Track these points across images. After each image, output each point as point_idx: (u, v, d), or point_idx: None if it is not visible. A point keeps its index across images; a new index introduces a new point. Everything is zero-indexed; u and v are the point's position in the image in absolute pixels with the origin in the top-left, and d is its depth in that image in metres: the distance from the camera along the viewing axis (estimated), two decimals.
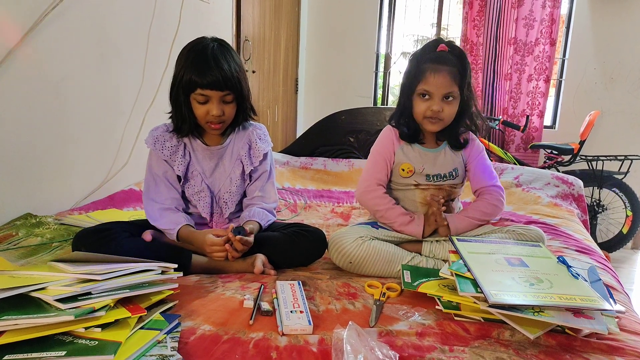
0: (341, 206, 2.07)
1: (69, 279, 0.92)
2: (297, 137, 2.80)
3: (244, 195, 1.45)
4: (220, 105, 1.28)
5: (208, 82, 1.24)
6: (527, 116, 3.41)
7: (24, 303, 0.85)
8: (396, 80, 4.28)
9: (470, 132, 1.46)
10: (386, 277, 1.29)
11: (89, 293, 0.88)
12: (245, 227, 1.27)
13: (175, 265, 1.05)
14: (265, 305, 1.04)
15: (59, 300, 0.83)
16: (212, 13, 2.57)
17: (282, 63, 3.72)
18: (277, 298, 1.07)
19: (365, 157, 2.61)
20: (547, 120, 3.79)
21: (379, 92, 4.25)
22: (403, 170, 1.42)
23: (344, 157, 2.65)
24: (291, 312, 1.01)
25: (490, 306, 0.95)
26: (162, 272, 1.06)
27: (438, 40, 1.38)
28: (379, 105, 4.25)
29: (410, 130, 1.42)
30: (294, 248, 1.32)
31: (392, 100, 4.46)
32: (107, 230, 1.25)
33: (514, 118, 3.67)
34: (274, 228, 1.41)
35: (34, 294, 0.86)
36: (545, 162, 3.41)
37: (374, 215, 1.45)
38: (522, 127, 3.26)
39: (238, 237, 1.22)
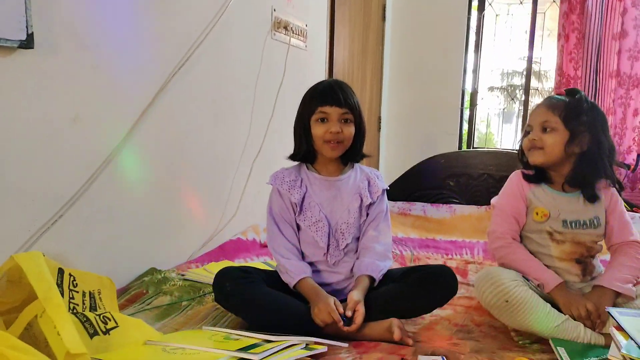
0: (452, 259, 1.96)
1: (225, 357, 0.89)
2: (393, 181, 2.73)
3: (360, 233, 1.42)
4: (339, 124, 1.31)
5: (328, 101, 1.31)
6: (638, 154, 3.15)
7: None
8: (482, 115, 4.14)
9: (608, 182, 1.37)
10: (535, 332, 1.19)
11: None
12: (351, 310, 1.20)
13: (325, 349, 1.01)
14: None
15: None
16: (309, 59, 2.60)
17: (367, 102, 3.71)
18: None
19: (467, 203, 2.53)
20: None
21: (465, 127, 4.12)
22: (537, 214, 1.35)
23: (443, 202, 2.55)
24: None
25: None
26: (307, 345, 1.02)
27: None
28: (464, 141, 4.12)
29: (532, 168, 1.39)
30: (427, 296, 1.29)
31: (478, 136, 4.31)
32: (248, 272, 1.29)
33: (619, 155, 3.40)
34: (394, 276, 1.35)
35: None
36: None
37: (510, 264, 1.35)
38: (632, 167, 3.01)
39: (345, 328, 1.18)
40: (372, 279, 1.31)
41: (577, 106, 1.31)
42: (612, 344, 1.04)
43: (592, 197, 1.34)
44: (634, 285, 1.30)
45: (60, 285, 1.05)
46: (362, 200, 1.39)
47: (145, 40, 1.53)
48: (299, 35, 2.47)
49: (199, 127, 1.81)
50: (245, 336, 1.03)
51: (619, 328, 1.08)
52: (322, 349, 1.03)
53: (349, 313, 1.19)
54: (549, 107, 1.33)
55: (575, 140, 1.30)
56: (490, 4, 4.01)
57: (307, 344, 1.03)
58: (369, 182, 1.42)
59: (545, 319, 1.18)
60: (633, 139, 3.39)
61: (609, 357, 1.00)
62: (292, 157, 1.41)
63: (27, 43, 1.15)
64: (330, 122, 1.31)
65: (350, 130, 1.33)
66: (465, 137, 4.16)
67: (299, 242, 1.39)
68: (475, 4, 3.88)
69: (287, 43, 2.30)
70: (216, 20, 1.79)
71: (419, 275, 1.31)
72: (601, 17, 3.38)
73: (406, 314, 1.30)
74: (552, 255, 1.35)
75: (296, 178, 1.38)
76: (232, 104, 1.99)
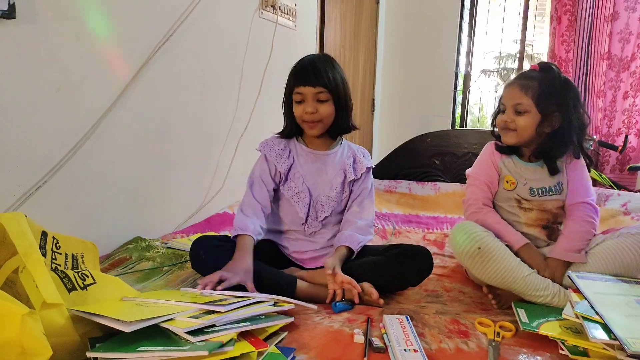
0: (432, 233, 2.01)
1: (193, 309, 0.95)
2: (381, 160, 2.77)
3: (343, 208, 1.46)
4: (314, 103, 1.33)
5: (301, 81, 1.33)
6: (626, 136, 3.18)
7: (153, 333, 0.88)
8: (475, 99, 4.16)
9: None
10: (505, 284, 1.24)
11: (213, 325, 0.90)
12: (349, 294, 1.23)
13: (292, 306, 1.06)
14: (377, 341, 1.02)
15: (188, 333, 0.86)
16: (298, 39, 2.62)
17: (360, 84, 3.73)
18: (386, 334, 1.05)
19: (451, 181, 2.57)
20: None
21: (458, 110, 4.15)
22: (507, 182, 1.42)
23: (428, 181, 2.59)
24: (405, 350, 0.98)
25: (629, 356, 0.87)
26: (275, 302, 1.07)
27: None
28: (457, 124, 4.15)
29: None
30: (403, 271, 1.31)
31: (471, 119, 4.34)
32: (223, 240, 1.32)
33: (608, 137, 3.44)
34: (374, 252, 1.39)
35: (162, 325, 0.89)
36: None
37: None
38: (620, 148, 3.04)
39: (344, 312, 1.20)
40: (350, 251, 1.36)
41: (550, 86, 1.34)
42: (567, 304, 1.09)
43: (553, 170, 1.40)
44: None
45: (43, 247, 1.09)
46: (345, 176, 1.43)
47: (128, 14, 1.55)
48: (287, 14, 2.48)
49: (185, 102, 1.85)
50: (218, 294, 1.08)
51: (576, 290, 1.13)
52: (289, 306, 1.08)
53: (360, 289, 1.21)
54: (522, 87, 1.35)
55: (546, 121, 1.35)
56: None
57: (275, 302, 1.08)
58: (354, 159, 1.45)
59: (515, 268, 1.24)
60: (622, 121, 3.42)
61: (563, 315, 1.05)
62: (281, 134, 1.45)
63: (9, 13, 1.19)
64: (306, 102, 1.34)
65: (327, 108, 1.35)
66: (458, 119, 4.18)
67: (278, 209, 1.43)
68: None
69: (274, 22, 2.32)
70: None
71: (398, 251, 1.34)
72: None
73: (383, 288, 1.30)
74: (520, 222, 1.42)
75: (285, 148, 1.43)
76: (218, 80, 2.03)
